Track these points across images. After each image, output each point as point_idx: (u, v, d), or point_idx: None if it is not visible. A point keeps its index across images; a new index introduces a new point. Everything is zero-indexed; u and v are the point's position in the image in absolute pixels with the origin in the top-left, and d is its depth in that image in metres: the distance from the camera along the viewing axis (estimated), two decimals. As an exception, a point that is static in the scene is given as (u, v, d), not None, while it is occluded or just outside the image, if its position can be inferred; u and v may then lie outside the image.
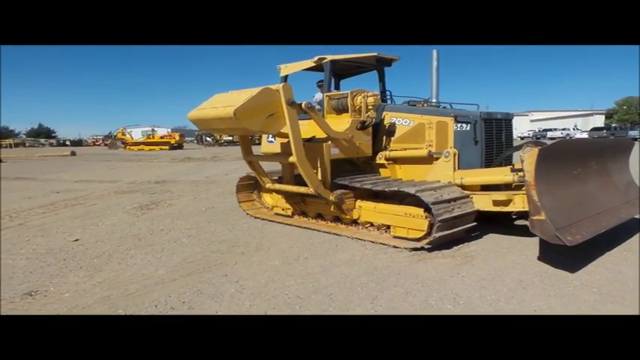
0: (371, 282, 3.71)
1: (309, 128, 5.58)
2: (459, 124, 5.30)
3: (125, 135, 46.77)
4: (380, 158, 5.92)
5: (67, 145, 59.15)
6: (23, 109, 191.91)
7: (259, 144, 7.15)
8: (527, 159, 3.70)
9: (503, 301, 3.28)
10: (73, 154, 30.26)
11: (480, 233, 5.19)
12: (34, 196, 9.45)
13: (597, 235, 4.05)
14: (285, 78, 6.93)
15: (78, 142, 67.57)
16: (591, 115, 61.95)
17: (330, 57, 6.31)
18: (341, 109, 5.82)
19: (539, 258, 4.26)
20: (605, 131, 43.63)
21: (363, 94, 5.61)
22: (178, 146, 41.63)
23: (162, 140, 43.12)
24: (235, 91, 5.53)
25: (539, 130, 53.26)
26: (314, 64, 6.50)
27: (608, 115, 61.65)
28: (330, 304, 3.27)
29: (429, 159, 5.43)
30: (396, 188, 4.83)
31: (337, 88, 7.62)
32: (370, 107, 5.59)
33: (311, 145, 5.44)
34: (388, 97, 7.15)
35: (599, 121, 58.35)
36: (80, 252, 4.81)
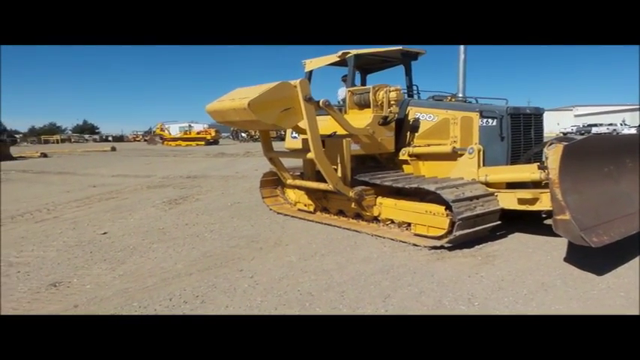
0: (385, 280, 3.65)
1: (329, 124, 5.54)
2: (485, 120, 5.13)
3: (163, 131, 48.17)
4: (403, 154, 5.82)
5: (109, 141, 61.59)
6: (70, 107, 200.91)
7: (282, 140, 7.18)
8: (551, 156, 3.53)
9: (521, 303, 3.15)
10: (114, 149, 31.41)
11: (506, 232, 5.01)
12: (72, 190, 9.87)
13: (629, 236, 3.83)
14: (310, 73, 6.91)
15: (119, 138, 70.14)
16: (640, 109, 58.67)
17: (354, 51, 6.25)
18: (363, 104, 5.75)
19: (566, 259, 4.07)
20: (655, 126, 41.30)
21: (385, 89, 5.52)
22: (214, 142, 42.51)
23: (199, 136, 44.16)
24: (257, 85, 5.57)
25: (584, 126, 51.07)
26: (338, 59, 6.45)
27: (660, 109, 58.09)
28: (341, 302, 3.24)
29: (453, 155, 5.28)
30: (416, 185, 4.73)
31: (363, 82, 7.54)
32: (393, 102, 5.49)
33: (331, 140, 5.41)
34: (415, 91, 7.02)
35: (650, 115, 55.17)
36: (106, 245, 4.98)
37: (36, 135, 62.22)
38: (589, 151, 3.86)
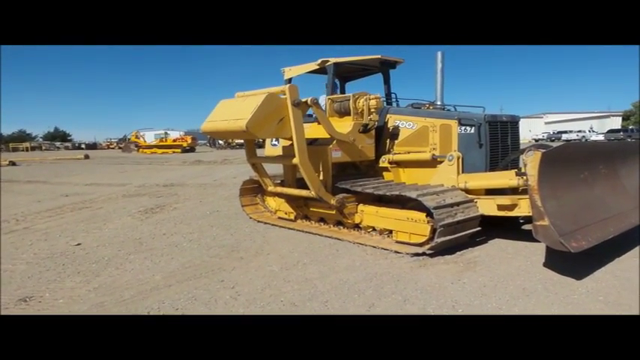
0: (369, 289, 3.62)
1: (311, 131, 5.52)
2: (463, 127, 5.19)
3: (139, 138, 47.33)
4: (383, 162, 5.83)
5: (82, 149, 60.06)
6: (40, 113, 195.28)
7: (260, 147, 7.11)
8: (529, 162, 3.59)
9: (504, 309, 3.17)
10: (87, 157, 30.59)
11: (486, 238, 5.07)
12: (43, 200, 9.54)
13: (606, 240, 3.91)
14: (289, 81, 6.88)
15: (92, 146, 68.43)
16: (607, 117, 60.91)
17: (333, 60, 6.25)
18: (343, 112, 5.75)
19: (545, 264, 4.14)
20: (621, 133, 42.90)
21: (365, 97, 5.53)
22: (191, 149, 41.98)
23: (175, 143, 43.57)
24: (240, 94, 5.53)
25: (554, 133, 52.61)
26: (318, 67, 6.45)
27: (625, 117, 60.41)
28: (326, 312, 3.19)
29: (433, 162, 5.32)
30: (397, 192, 4.74)
31: (342, 90, 7.55)
32: (372, 110, 5.51)
33: (313, 147, 5.38)
34: (394, 99, 7.07)
35: (616, 123, 57.33)
36: (80, 256, 4.80)
37: (3, 143, 60.08)
38: (566, 158, 3.94)
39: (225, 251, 4.91)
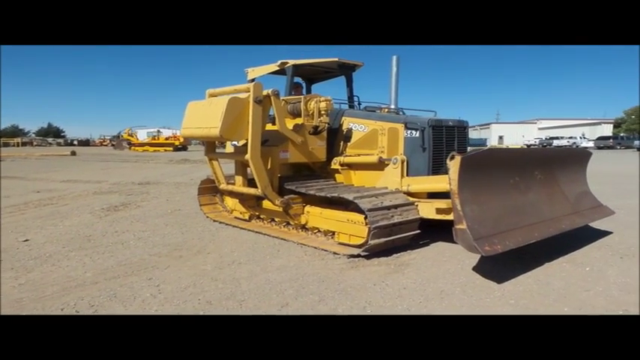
0: (291, 288, 3.66)
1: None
2: (409, 131, 5.24)
3: (131, 136, 47.36)
4: (335, 163, 5.88)
5: (74, 145, 59.89)
6: (35, 109, 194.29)
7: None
8: (451, 167, 3.64)
9: (413, 311, 3.21)
10: (74, 153, 30.54)
11: (430, 241, 5.13)
12: (12, 195, 9.53)
13: (548, 245, 3.97)
14: (252, 81, 6.91)
15: (85, 142, 68.36)
16: (599, 124, 61.28)
17: (292, 61, 6.30)
18: (296, 114, 5.79)
19: (475, 268, 4.19)
20: (611, 141, 43.19)
21: (315, 99, 5.57)
22: (183, 148, 42.05)
23: (167, 141, 43.62)
24: (211, 92, 5.79)
25: (546, 138, 52.86)
26: (278, 68, 6.50)
27: (617, 125, 60.85)
28: (238, 311, 3.23)
29: (380, 165, 5.37)
30: (337, 194, 4.78)
31: (309, 92, 7.60)
32: (323, 112, 5.55)
33: (263, 148, 5.41)
34: (356, 102, 7.12)
35: (608, 130, 57.76)
36: (22, 252, 4.82)
37: (-6, 138, 59.84)
38: (491, 164, 3.98)
39: (167, 250, 4.94)
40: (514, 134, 66.28)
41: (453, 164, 3.61)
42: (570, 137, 50.23)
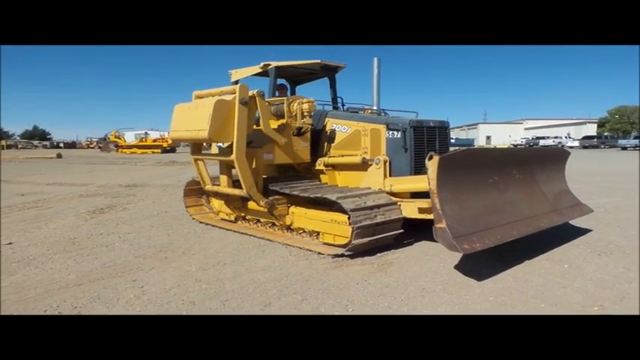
0: (274, 288, 3.70)
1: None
2: (391, 132, 5.32)
3: (118, 138, 46.90)
4: (319, 164, 5.94)
5: (60, 147, 59.16)
6: (21, 111, 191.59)
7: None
8: (430, 167, 3.71)
9: (393, 309, 3.27)
10: (59, 156, 30.17)
11: (414, 240, 5.20)
12: (-5, 199, 9.43)
13: (528, 243, 4.04)
14: (236, 83, 6.94)
15: (71, 145, 67.57)
16: (584, 123, 62.26)
17: (274, 63, 6.34)
18: (279, 115, 5.83)
19: (456, 266, 4.27)
20: (595, 140, 43.89)
21: (298, 101, 5.62)
22: (171, 150, 41.75)
23: (155, 144, 43.30)
24: (197, 93, 5.85)
25: (532, 138, 53.57)
26: (261, 70, 6.53)
27: (601, 124, 61.88)
28: (221, 311, 3.26)
29: (363, 166, 5.44)
30: (320, 195, 4.84)
31: (293, 93, 7.65)
32: (306, 114, 5.60)
33: (247, 149, 5.45)
34: (340, 103, 7.18)
35: (592, 129, 58.71)
36: (5, 255, 4.79)
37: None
38: (469, 164, 4.06)
39: (152, 251, 4.95)
40: (501, 134, 67.11)
41: (432, 164, 3.68)
42: (556, 137, 50.96)
